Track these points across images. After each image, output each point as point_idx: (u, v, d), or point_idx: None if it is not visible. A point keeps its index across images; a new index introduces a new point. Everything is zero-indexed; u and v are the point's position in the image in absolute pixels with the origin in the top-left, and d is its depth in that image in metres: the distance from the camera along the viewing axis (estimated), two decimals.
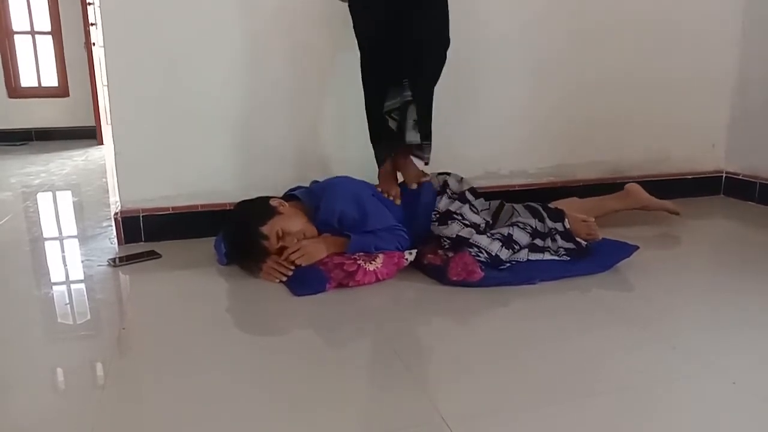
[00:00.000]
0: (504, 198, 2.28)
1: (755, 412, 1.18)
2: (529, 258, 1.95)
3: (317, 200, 2.00)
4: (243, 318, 1.70)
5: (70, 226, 2.77)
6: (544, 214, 2.05)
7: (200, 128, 2.30)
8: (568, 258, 1.97)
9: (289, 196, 2.08)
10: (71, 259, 2.19)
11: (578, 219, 2.07)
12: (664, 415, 1.17)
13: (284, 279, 1.84)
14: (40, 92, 5.93)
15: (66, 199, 3.35)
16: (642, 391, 1.25)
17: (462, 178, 2.20)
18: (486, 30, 2.55)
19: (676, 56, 2.85)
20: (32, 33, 5.89)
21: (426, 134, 2.11)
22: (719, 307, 1.72)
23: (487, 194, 2.43)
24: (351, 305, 1.70)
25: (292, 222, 1.93)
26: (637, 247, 1.99)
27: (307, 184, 2.15)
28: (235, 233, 1.97)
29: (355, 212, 1.95)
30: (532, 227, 2.00)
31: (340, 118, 2.42)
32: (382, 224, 1.96)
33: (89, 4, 5.13)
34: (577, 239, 2.01)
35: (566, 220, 2.04)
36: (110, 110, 2.26)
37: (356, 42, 2.07)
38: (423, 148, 2.12)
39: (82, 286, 1.92)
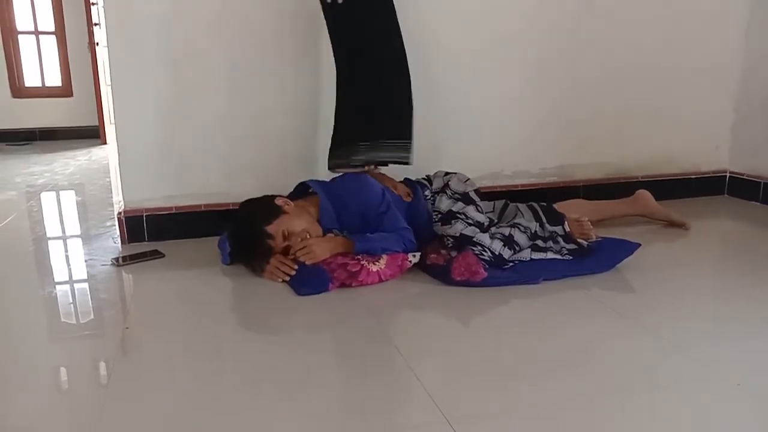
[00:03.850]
0: (507, 198, 2.28)
1: (760, 414, 1.18)
2: (532, 257, 1.95)
3: (338, 189, 2.03)
4: (246, 317, 1.70)
5: (73, 226, 2.78)
6: (544, 219, 2.05)
7: (203, 128, 2.31)
8: (571, 257, 1.97)
9: (299, 191, 2.09)
10: (75, 258, 2.19)
11: (571, 219, 2.07)
12: (667, 416, 1.16)
13: (287, 278, 1.84)
14: (43, 92, 5.94)
15: (70, 198, 3.36)
16: (645, 392, 1.25)
17: (468, 178, 2.20)
18: (488, 31, 2.55)
19: (680, 56, 2.84)
20: (36, 33, 5.90)
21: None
22: (723, 307, 1.72)
23: (490, 194, 2.44)
24: (354, 305, 1.70)
25: (298, 221, 1.93)
26: (639, 245, 1.98)
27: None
28: (240, 232, 1.97)
29: (379, 203, 1.99)
30: (532, 231, 2.01)
31: None
32: (394, 225, 1.97)
33: (93, 4, 5.13)
34: (578, 240, 2.01)
35: (566, 223, 2.04)
36: (114, 110, 2.27)
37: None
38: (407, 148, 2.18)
39: (85, 285, 1.93)
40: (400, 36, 2.12)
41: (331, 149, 2.15)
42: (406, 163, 2.17)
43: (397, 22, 2.12)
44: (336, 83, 2.14)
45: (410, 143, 2.16)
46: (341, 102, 2.14)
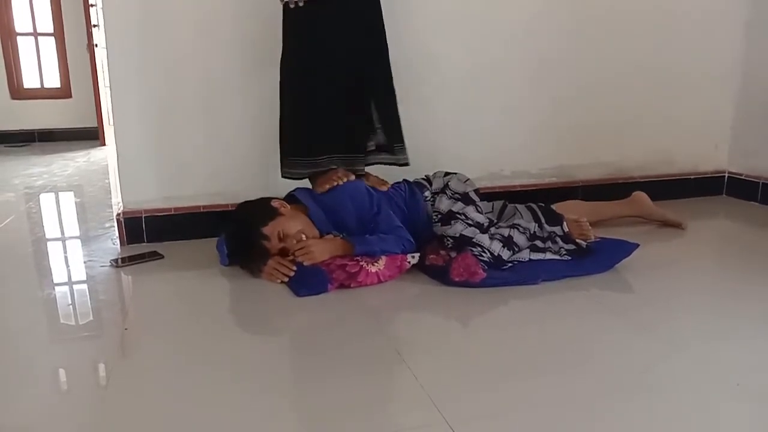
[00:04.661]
0: (506, 199, 2.29)
1: (760, 414, 1.18)
2: (531, 258, 1.96)
3: (329, 200, 2.02)
4: (245, 318, 1.70)
5: (72, 227, 2.78)
6: (542, 219, 2.06)
7: (202, 129, 2.31)
8: (570, 258, 1.97)
9: (291, 198, 2.09)
10: (74, 259, 2.19)
11: (570, 219, 2.07)
12: (667, 416, 1.16)
13: (286, 279, 1.85)
14: (42, 93, 5.93)
15: (68, 200, 3.36)
16: (644, 392, 1.25)
17: (468, 178, 2.20)
18: (487, 31, 2.55)
19: (679, 56, 2.84)
20: (35, 34, 5.89)
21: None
22: (722, 307, 1.72)
23: (490, 195, 2.44)
24: (353, 306, 1.70)
25: (293, 223, 1.93)
26: (638, 245, 1.99)
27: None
28: (236, 234, 1.98)
29: (371, 206, 1.99)
30: (531, 232, 2.01)
31: None
32: (389, 224, 1.97)
33: (92, 5, 5.14)
34: (577, 240, 2.01)
35: (564, 223, 2.05)
36: (112, 111, 2.27)
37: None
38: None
39: (84, 286, 1.93)
40: (384, 38, 2.12)
41: (290, 156, 2.09)
42: (406, 164, 2.19)
43: (383, 27, 2.11)
44: (289, 90, 2.07)
45: (403, 145, 2.18)
46: (301, 113, 2.06)
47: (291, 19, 2.01)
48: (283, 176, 2.11)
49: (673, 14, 2.79)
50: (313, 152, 2.06)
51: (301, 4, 1.95)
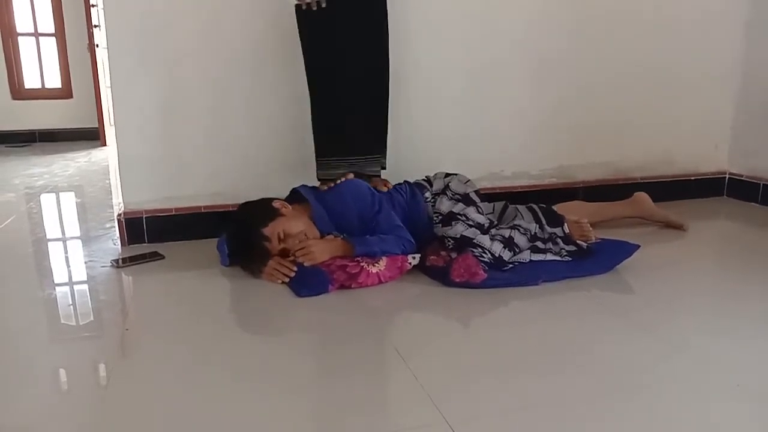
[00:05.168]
0: (506, 199, 2.29)
1: (760, 414, 1.18)
2: (532, 259, 1.96)
3: (331, 197, 2.04)
4: (245, 319, 1.70)
5: (73, 228, 2.78)
6: (543, 220, 2.06)
7: (203, 129, 2.31)
8: (570, 259, 1.97)
9: (295, 195, 2.09)
10: (74, 260, 2.19)
11: (571, 220, 2.07)
12: (667, 417, 1.16)
13: (287, 280, 1.85)
14: (43, 94, 5.94)
15: (69, 200, 3.36)
16: (645, 392, 1.25)
17: (469, 179, 2.20)
18: (487, 31, 2.55)
19: (679, 57, 2.85)
20: (36, 35, 5.90)
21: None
22: (722, 307, 1.72)
23: (490, 196, 2.44)
24: (353, 306, 1.71)
25: (294, 223, 1.93)
26: (639, 246, 1.99)
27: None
28: (237, 235, 1.98)
29: (372, 204, 2.01)
30: (531, 233, 2.01)
31: None
32: (390, 223, 1.98)
33: (92, 5, 5.14)
34: (578, 241, 2.01)
35: (565, 225, 2.05)
36: (113, 111, 2.27)
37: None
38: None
39: (85, 287, 1.93)
40: (386, 45, 2.13)
41: (317, 159, 2.16)
42: (378, 175, 2.24)
43: (386, 29, 2.12)
44: (310, 94, 2.12)
45: (383, 157, 2.23)
46: (317, 115, 2.13)
47: (309, 21, 2.04)
48: (318, 178, 2.16)
49: (673, 14, 2.79)
50: (329, 153, 2.12)
51: (324, 5, 1.97)
